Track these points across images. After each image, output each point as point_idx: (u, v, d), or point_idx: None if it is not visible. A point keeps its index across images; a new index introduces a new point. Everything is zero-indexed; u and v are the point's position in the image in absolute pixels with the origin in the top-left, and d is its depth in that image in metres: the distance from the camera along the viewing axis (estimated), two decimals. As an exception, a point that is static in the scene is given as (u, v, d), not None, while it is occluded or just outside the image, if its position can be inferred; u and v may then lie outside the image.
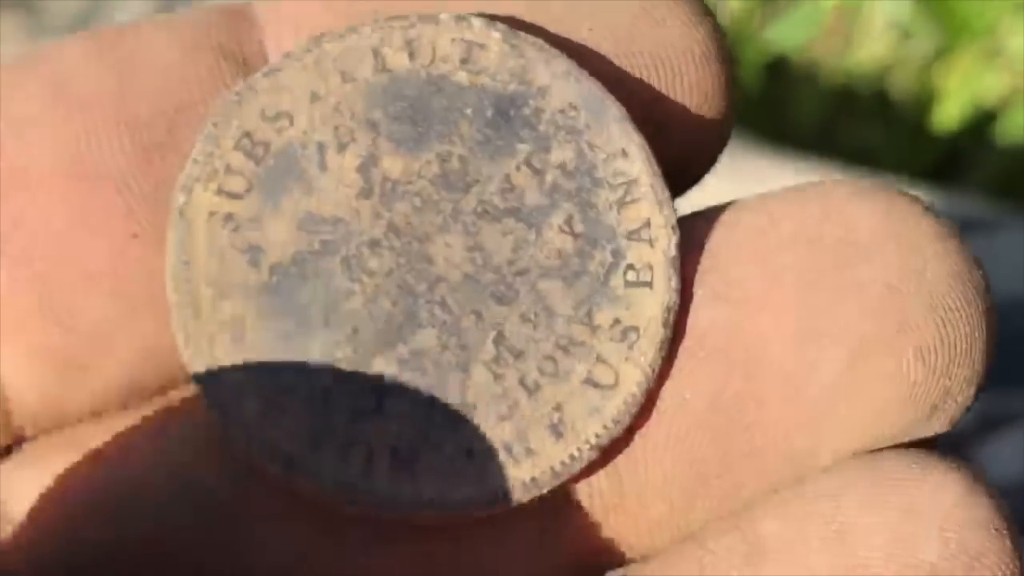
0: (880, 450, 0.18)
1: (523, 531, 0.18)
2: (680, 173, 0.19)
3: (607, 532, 0.18)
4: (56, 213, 0.17)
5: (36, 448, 0.19)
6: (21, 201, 0.17)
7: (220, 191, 0.17)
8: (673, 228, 0.18)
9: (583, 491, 0.18)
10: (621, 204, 0.17)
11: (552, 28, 0.18)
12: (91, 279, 0.18)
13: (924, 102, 0.64)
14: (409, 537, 0.18)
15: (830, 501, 0.17)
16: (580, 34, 0.18)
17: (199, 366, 0.17)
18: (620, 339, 0.17)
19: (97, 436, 0.19)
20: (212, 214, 0.17)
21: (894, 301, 0.17)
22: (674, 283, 0.17)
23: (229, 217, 0.17)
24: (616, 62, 0.18)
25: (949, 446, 0.38)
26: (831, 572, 0.17)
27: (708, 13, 0.18)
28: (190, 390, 0.18)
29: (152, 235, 0.17)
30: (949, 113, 0.63)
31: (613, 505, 0.18)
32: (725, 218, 0.18)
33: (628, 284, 0.17)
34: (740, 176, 0.46)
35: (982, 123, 0.63)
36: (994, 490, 0.18)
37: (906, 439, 0.18)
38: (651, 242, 0.17)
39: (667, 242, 0.18)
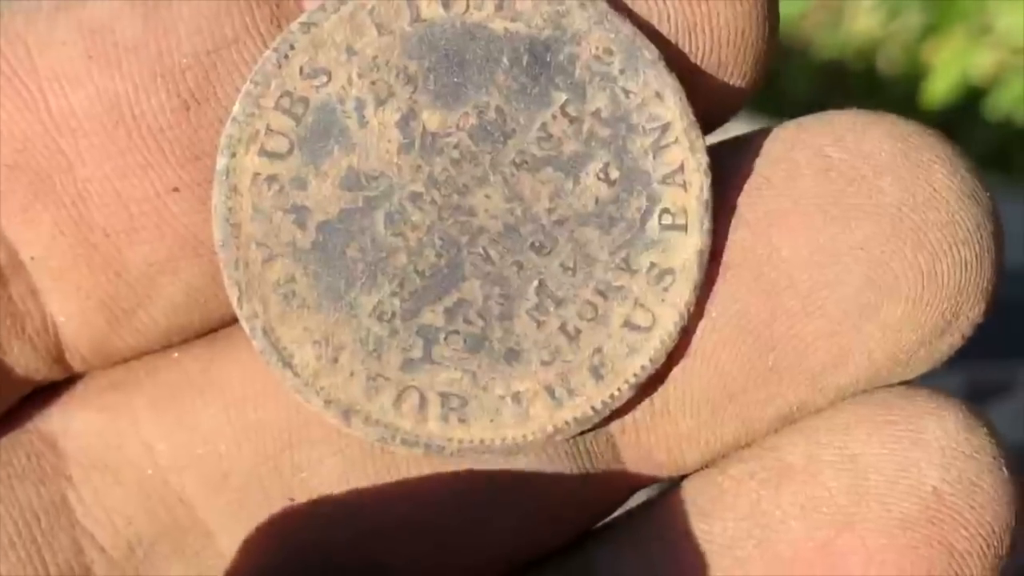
0: (889, 386, 0.19)
1: (562, 459, 0.19)
2: (713, 109, 0.19)
3: (638, 451, 0.19)
4: (101, 161, 0.18)
5: (87, 387, 0.19)
6: (68, 147, 0.18)
7: (263, 152, 0.18)
8: (706, 172, 0.18)
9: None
10: (656, 149, 0.18)
11: None
12: (135, 227, 0.18)
13: (914, 78, 0.65)
14: (460, 475, 0.19)
15: (843, 432, 0.18)
16: None
17: (254, 324, 0.18)
18: (656, 282, 0.18)
19: (143, 375, 0.19)
20: (256, 175, 0.18)
21: (906, 221, 0.18)
22: (707, 226, 0.18)
23: (273, 179, 0.18)
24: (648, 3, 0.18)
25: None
26: (845, 495, 0.18)
27: None
28: (236, 333, 0.19)
29: (192, 189, 0.18)
30: (938, 89, 0.63)
31: (644, 425, 0.19)
32: (745, 148, 0.19)
33: (663, 228, 0.18)
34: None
35: (971, 99, 0.63)
36: (992, 424, 0.19)
37: (921, 355, 0.19)
38: (685, 186, 0.18)
39: (700, 186, 0.18)
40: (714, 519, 0.19)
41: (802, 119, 0.19)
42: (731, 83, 0.18)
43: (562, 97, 0.18)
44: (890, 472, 0.18)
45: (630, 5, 0.18)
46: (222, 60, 0.18)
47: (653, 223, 0.18)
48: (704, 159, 0.18)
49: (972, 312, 0.18)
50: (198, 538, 0.19)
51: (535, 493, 0.19)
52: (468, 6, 0.18)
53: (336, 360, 0.18)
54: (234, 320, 0.19)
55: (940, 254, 0.18)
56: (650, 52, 0.18)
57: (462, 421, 0.18)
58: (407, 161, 0.18)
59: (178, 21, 0.17)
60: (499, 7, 0.18)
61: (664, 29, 0.18)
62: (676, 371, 0.19)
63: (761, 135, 0.19)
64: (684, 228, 0.18)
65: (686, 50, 0.18)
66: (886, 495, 0.18)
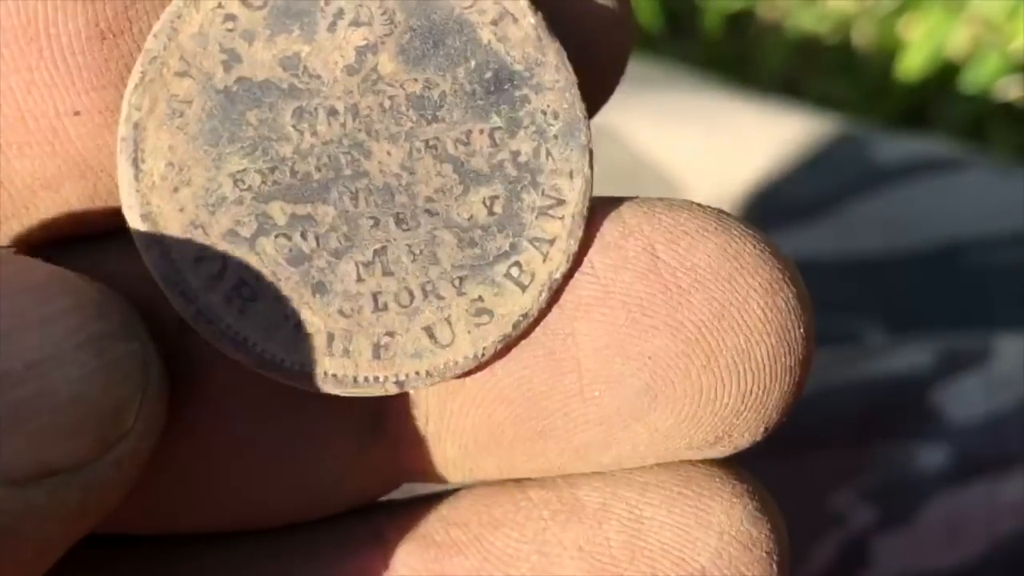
0: (692, 462, 0.20)
1: (350, 425, 0.20)
2: (595, 89, 0.20)
3: (410, 459, 0.20)
4: (9, 72, 0.18)
5: None
6: None
7: None
8: (569, 258, 0.19)
9: (392, 423, 0.20)
10: (542, 213, 0.19)
11: None
12: (29, 141, 0.18)
13: (889, 53, 0.65)
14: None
15: (639, 490, 0.20)
16: None
17: (132, 115, 0.18)
18: (473, 314, 0.19)
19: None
20: (219, 5, 0.18)
21: (702, 342, 0.18)
22: (543, 299, 0.19)
23: (232, 17, 0.18)
24: None
25: (912, 389, 0.38)
26: (622, 550, 0.20)
27: None
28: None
29: (92, 116, 0.18)
30: (914, 64, 0.63)
31: (417, 440, 0.20)
32: (599, 218, 0.19)
33: (507, 277, 0.19)
34: (714, 125, 0.46)
35: (947, 74, 0.63)
36: (778, 516, 0.20)
37: (690, 455, 0.20)
38: (544, 257, 0.19)
39: (557, 265, 0.19)
40: (499, 534, 0.20)
41: (654, 202, 0.19)
42: (617, 41, 0.19)
43: (497, 122, 0.19)
44: (668, 541, 0.19)
45: None
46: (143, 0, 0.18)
47: (501, 268, 0.19)
48: (573, 248, 0.19)
49: (744, 436, 0.19)
50: None
51: (321, 436, 0.20)
52: (473, 3, 0.19)
53: (176, 190, 0.18)
54: (102, 238, 0.19)
55: (725, 380, 0.18)
56: (585, 137, 0.19)
57: (241, 312, 0.18)
58: (345, 81, 0.18)
59: None
60: (494, 22, 0.19)
61: None
62: (454, 404, 0.19)
63: (614, 205, 0.19)
64: (524, 288, 0.19)
65: (574, 13, 0.19)
66: (658, 562, 0.19)
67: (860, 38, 0.66)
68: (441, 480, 0.20)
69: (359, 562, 0.21)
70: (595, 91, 0.19)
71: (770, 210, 0.42)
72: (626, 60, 0.20)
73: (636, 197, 0.19)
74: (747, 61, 0.67)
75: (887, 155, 0.45)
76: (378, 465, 0.20)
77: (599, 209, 0.19)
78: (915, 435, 0.38)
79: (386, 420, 0.20)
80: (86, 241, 0.19)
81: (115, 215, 0.19)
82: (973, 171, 0.44)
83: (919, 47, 0.63)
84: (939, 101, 0.63)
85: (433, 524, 0.20)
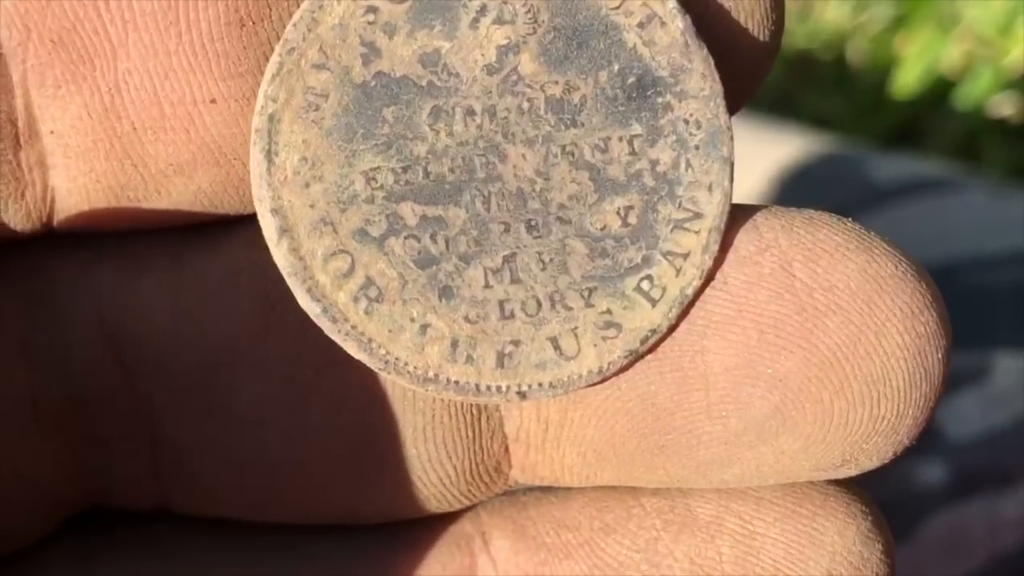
0: (809, 482, 0.19)
1: (459, 428, 0.20)
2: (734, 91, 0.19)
3: (523, 462, 0.20)
4: (147, 57, 0.18)
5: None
6: (116, 36, 0.18)
7: None
8: (703, 274, 0.18)
9: (511, 425, 0.20)
10: (678, 226, 0.18)
11: None
12: (164, 127, 0.18)
13: (883, 69, 0.65)
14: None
15: (753, 506, 0.19)
16: None
17: (267, 107, 0.18)
18: (601, 327, 0.18)
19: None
20: None
21: (836, 367, 0.18)
22: (673, 314, 0.18)
23: (374, 10, 0.18)
24: None
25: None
26: (732, 565, 0.19)
27: None
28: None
29: (228, 103, 0.18)
30: (907, 80, 0.64)
31: (536, 444, 0.20)
32: (731, 228, 0.18)
33: (638, 291, 0.18)
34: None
35: (940, 90, 0.64)
36: (889, 536, 0.20)
37: (816, 476, 0.19)
38: (678, 271, 0.18)
39: (690, 280, 0.18)
40: (610, 540, 0.20)
41: (792, 214, 0.18)
42: (760, 47, 0.18)
43: (637, 129, 0.18)
44: (780, 560, 0.19)
45: None
46: None
47: (632, 281, 0.18)
48: (707, 264, 0.18)
49: (872, 460, 0.19)
50: None
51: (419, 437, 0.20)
52: (621, 3, 0.18)
53: (308, 186, 0.18)
54: (232, 223, 0.19)
55: (858, 406, 0.18)
56: (727, 149, 0.18)
57: (367, 313, 0.18)
58: (484, 81, 0.18)
59: None
60: (641, 25, 0.18)
61: None
62: (575, 413, 0.19)
63: (749, 213, 0.18)
64: (654, 303, 0.18)
65: (723, 20, 0.18)
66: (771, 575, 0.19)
67: (854, 54, 0.66)
68: (556, 483, 0.20)
69: (465, 560, 0.20)
70: (731, 100, 0.19)
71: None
72: (768, 70, 0.19)
73: (773, 207, 0.19)
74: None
75: (882, 175, 0.45)
76: (494, 466, 0.20)
77: (734, 216, 0.18)
78: (914, 451, 0.38)
79: (506, 422, 0.19)
80: (215, 226, 0.19)
81: (247, 202, 0.18)
82: (967, 191, 0.44)
83: (912, 63, 0.64)
84: (932, 117, 0.63)
85: (543, 525, 0.20)
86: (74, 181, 0.18)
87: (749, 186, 0.43)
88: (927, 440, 0.39)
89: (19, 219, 0.19)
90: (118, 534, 0.21)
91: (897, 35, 0.66)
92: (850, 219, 0.18)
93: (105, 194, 0.19)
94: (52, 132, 0.18)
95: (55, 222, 0.19)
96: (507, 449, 0.20)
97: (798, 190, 0.44)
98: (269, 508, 0.20)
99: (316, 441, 0.19)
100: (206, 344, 0.19)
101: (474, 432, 0.20)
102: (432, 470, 0.20)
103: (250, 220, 0.18)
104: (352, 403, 0.19)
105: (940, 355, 0.18)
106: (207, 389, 0.19)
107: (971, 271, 0.41)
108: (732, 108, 0.19)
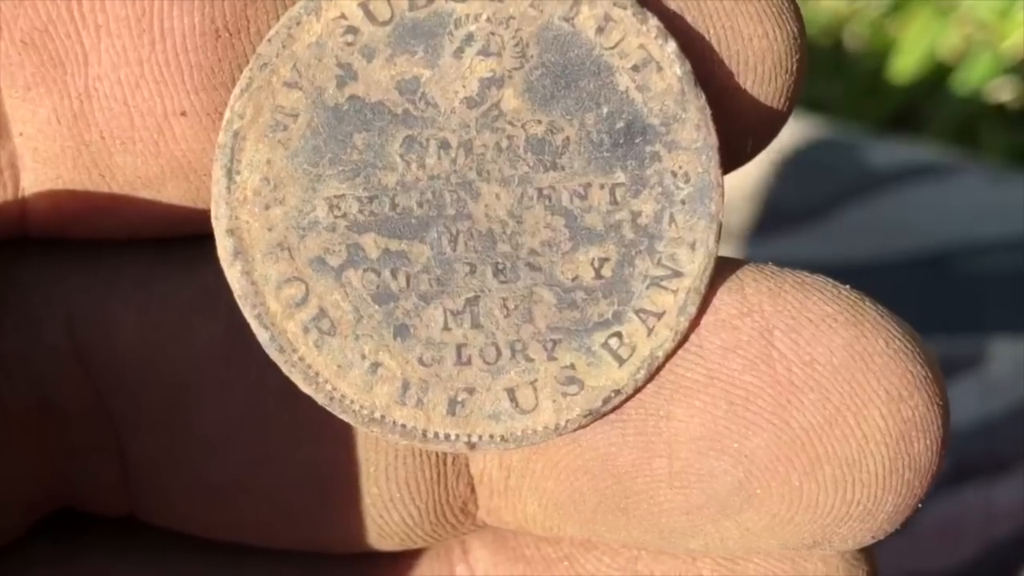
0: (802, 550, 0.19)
1: (425, 468, 0.19)
2: (738, 151, 0.18)
3: (487, 505, 0.19)
4: (119, 65, 0.17)
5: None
6: (88, 42, 0.17)
7: (362, 4, 0.17)
8: (677, 335, 0.17)
9: (475, 467, 0.19)
10: (655, 283, 0.17)
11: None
12: (133, 138, 0.18)
13: (880, 54, 0.65)
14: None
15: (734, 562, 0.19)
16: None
17: (232, 124, 0.17)
18: (563, 382, 0.17)
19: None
20: (341, 17, 0.17)
21: (808, 448, 0.17)
22: (640, 376, 0.17)
23: (353, 30, 0.17)
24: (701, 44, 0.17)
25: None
26: None
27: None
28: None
29: (199, 117, 0.17)
30: (905, 65, 0.63)
31: (498, 490, 0.19)
32: (712, 289, 0.18)
33: (604, 348, 0.17)
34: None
35: (938, 75, 0.63)
36: (875, 566, 0.19)
37: (784, 553, 0.18)
38: (650, 332, 0.17)
39: (662, 343, 0.17)
40: (591, 556, 0.19)
41: (782, 276, 0.17)
42: (766, 104, 0.17)
43: (621, 178, 0.17)
44: None
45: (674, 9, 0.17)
46: None
47: (600, 337, 0.17)
48: (682, 325, 0.17)
49: (848, 543, 0.18)
50: None
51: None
52: (617, 43, 0.17)
53: (267, 208, 0.17)
54: (198, 237, 0.18)
55: (829, 488, 0.17)
56: (716, 207, 0.17)
57: (316, 345, 0.17)
58: (463, 114, 0.17)
59: None
60: (636, 68, 0.17)
61: (707, 43, 0.17)
62: (537, 464, 0.18)
63: (734, 268, 0.17)
64: (621, 361, 0.17)
65: (726, 70, 0.17)
66: None
67: (851, 39, 0.66)
68: (522, 531, 0.19)
69: (444, 570, 0.20)
70: (734, 155, 0.18)
71: (762, 216, 0.42)
72: (778, 128, 0.18)
73: (764, 264, 0.17)
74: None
75: (879, 160, 0.45)
76: (460, 507, 0.19)
77: (719, 268, 0.17)
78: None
79: (471, 462, 0.19)
80: (190, 242, 0.19)
81: None
82: (965, 176, 0.44)
83: (911, 48, 0.63)
84: (931, 102, 0.63)
85: (524, 538, 0.20)
86: (42, 185, 0.18)
87: (746, 171, 0.43)
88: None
89: None
90: (94, 535, 0.20)
91: (895, 20, 0.65)
92: (846, 287, 0.17)
93: (73, 202, 0.18)
94: (21, 134, 0.18)
95: (27, 226, 0.18)
96: (473, 489, 0.19)
97: (795, 176, 0.44)
98: (232, 530, 0.20)
99: (278, 470, 0.19)
100: (171, 364, 0.19)
101: (438, 473, 0.19)
102: (395, 510, 0.19)
103: None
104: (313, 436, 0.19)
105: (929, 441, 0.17)
106: (171, 408, 0.19)
107: (969, 256, 0.41)
108: (730, 165, 0.18)
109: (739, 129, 0.18)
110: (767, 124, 0.18)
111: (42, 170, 0.18)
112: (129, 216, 0.18)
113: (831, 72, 0.65)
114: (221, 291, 0.18)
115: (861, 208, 0.43)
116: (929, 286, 0.41)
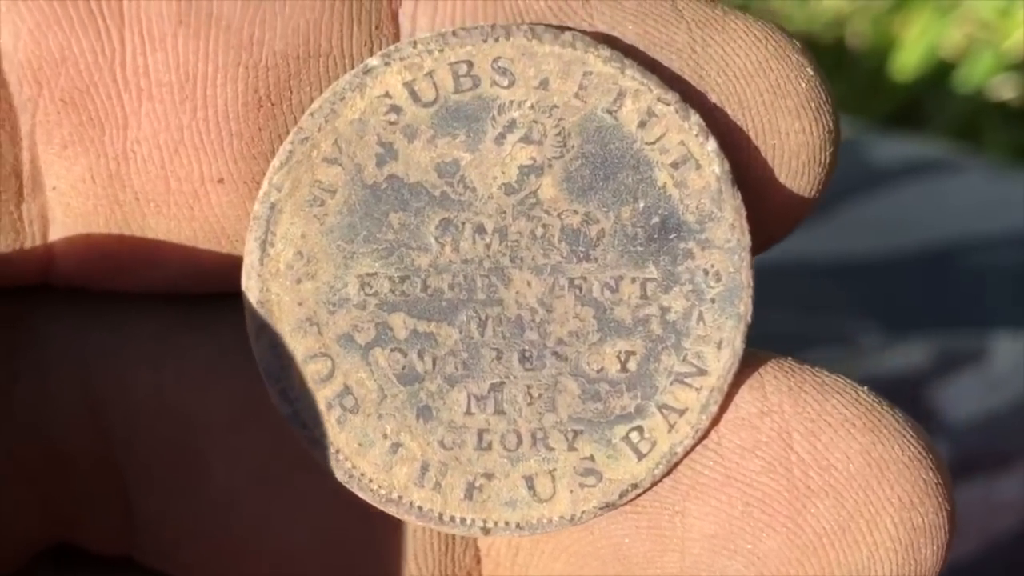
0: None
1: (432, 541, 0.19)
2: (779, 221, 0.18)
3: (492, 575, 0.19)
4: (158, 129, 0.17)
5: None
6: (129, 105, 0.17)
7: (408, 84, 0.17)
8: (697, 433, 0.17)
9: (484, 541, 0.19)
10: (679, 380, 0.17)
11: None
12: (168, 202, 0.18)
13: (883, 52, 0.65)
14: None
15: None
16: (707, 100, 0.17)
17: (270, 196, 0.17)
18: (582, 473, 0.18)
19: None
20: (386, 95, 0.17)
21: (819, 553, 0.17)
22: (659, 471, 0.18)
23: (397, 109, 0.17)
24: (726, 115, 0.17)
25: (909, 389, 0.39)
26: None
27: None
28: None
29: (236, 185, 0.17)
30: (907, 63, 0.63)
31: (505, 566, 0.19)
32: (734, 386, 0.18)
33: (625, 441, 0.18)
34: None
35: (941, 73, 0.63)
36: None
37: None
38: (670, 427, 0.17)
39: (680, 439, 0.17)
40: None
41: (803, 375, 0.17)
42: (799, 195, 0.17)
43: (652, 273, 0.17)
44: None
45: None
46: (309, 69, 0.17)
47: (621, 430, 0.17)
48: (703, 424, 0.17)
49: None
50: None
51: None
52: (658, 138, 0.17)
53: (299, 282, 0.17)
54: (226, 297, 0.18)
55: None
56: (744, 307, 0.17)
57: (339, 422, 0.17)
58: (500, 200, 0.17)
59: (278, 14, 0.17)
60: (675, 164, 0.17)
61: (745, 136, 0.17)
62: (547, 545, 0.18)
63: (758, 364, 0.17)
64: (640, 456, 0.17)
65: (762, 162, 0.17)
66: None
67: (854, 37, 0.66)
68: None
69: None
70: (761, 242, 0.18)
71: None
72: (804, 216, 0.18)
73: (786, 359, 0.17)
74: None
75: (882, 157, 0.45)
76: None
77: (742, 363, 0.17)
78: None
79: (479, 538, 0.19)
80: (211, 300, 0.19)
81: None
82: (967, 172, 0.44)
83: (913, 46, 0.63)
84: (933, 99, 0.63)
85: None
86: (73, 244, 0.18)
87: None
88: (925, 423, 0.39)
89: (20, 271, 0.18)
90: (92, 568, 0.20)
91: (897, 17, 0.66)
92: (864, 388, 0.17)
93: (101, 258, 0.18)
94: (54, 188, 0.18)
95: (51, 276, 0.18)
96: (479, 560, 0.19)
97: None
98: None
99: (284, 535, 0.19)
100: (184, 422, 0.19)
101: (446, 546, 0.19)
102: None
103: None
104: (321, 506, 0.19)
105: (936, 546, 0.17)
106: (182, 466, 0.19)
107: (970, 252, 0.41)
108: (756, 251, 0.18)
109: (769, 219, 0.18)
110: (796, 213, 0.18)
111: (72, 225, 0.18)
112: (155, 274, 0.18)
113: (833, 70, 0.65)
114: (240, 350, 0.18)
115: (865, 204, 0.43)
116: (931, 282, 0.41)
